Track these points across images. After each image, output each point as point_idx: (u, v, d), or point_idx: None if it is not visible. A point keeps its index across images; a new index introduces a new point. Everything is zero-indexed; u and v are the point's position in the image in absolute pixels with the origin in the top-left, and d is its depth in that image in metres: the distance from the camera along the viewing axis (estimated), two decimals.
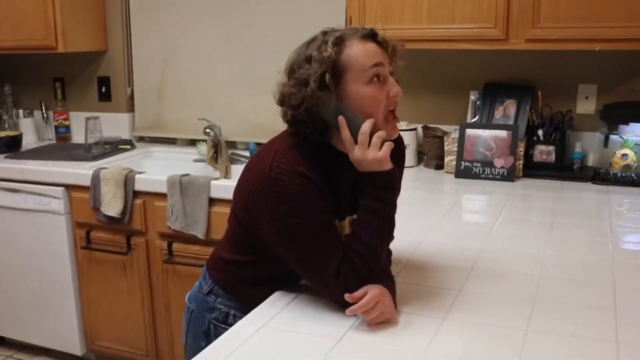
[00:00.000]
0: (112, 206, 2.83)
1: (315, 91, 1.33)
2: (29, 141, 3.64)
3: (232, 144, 3.33)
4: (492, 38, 2.50)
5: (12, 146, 3.40)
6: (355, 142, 1.35)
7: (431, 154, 2.90)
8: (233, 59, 3.33)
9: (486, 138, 2.70)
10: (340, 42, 1.36)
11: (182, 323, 1.70)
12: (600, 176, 2.61)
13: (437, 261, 1.76)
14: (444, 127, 2.93)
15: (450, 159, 2.78)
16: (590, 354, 1.25)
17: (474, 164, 2.69)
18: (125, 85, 3.59)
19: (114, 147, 3.36)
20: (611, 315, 1.41)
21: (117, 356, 3.12)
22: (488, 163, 2.67)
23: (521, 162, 2.68)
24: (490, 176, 2.66)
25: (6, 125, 3.66)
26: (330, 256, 1.35)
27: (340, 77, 1.35)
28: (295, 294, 1.51)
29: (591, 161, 2.78)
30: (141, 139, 3.66)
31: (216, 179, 2.74)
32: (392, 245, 1.64)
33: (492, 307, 1.46)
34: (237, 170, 2.96)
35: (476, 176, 2.68)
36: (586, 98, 2.77)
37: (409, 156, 2.91)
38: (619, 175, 2.57)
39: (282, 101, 1.40)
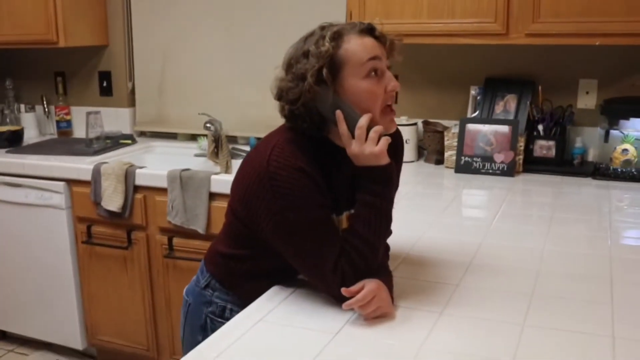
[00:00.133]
0: (112, 201, 2.84)
1: (312, 86, 1.33)
2: (31, 136, 3.65)
3: (232, 139, 3.33)
4: (492, 33, 2.49)
5: (13, 141, 3.41)
6: (353, 136, 1.36)
7: (431, 149, 2.90)
8: (234, 53, 3.33)
9: (486, 133, 2.69)
10: (338, 36, 1.36)
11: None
12: (601, 171, 2.61)
13: (436, 256, 1.76)
14: (444, 122, 2.93)
15: (450, 154, 2.78)
16: (586, 349, 1.25)
17: (474, 159, 2.69)
18: (127, 80, 3.59)
19: (115, 141, 3.37)
20: (608, 310, 1.41)
21: (118, 350, 3.13)
22: (488, 158, 2.67)
23: (521, 157, 2.68)
24: (490, 171, 2.66)
25: (8, 120, 3.66)
26: (327, 251, 1.36)
27: (337, 72, 1.35)
28: (293, 289, 1.51)
29: (591, 156, 2.78)
30: (142, 133, 3.66)
31: (217, 173, 2.75)
32: (391, 240, 1.64)
33: (489, 302, 1.47)
34: (238, 165, 2.95)
35: (476, 171, 2.68)
36: (587, 93, 2.77)
37: (409, 151, 2.91)
38: (619, 170, 2.57)
39: (280, 96, 1.40)
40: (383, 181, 1.38)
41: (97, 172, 2.87)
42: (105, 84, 3.64)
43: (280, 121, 1.47)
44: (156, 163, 3.25)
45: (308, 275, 1.45)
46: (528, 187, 2.54)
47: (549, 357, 1.23)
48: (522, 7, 2.43)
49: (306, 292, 1.49)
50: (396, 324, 1.36)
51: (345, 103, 1.36)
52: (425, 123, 2.94)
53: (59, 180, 2.98)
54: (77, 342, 3.18)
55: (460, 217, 2.25)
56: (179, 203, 2.73)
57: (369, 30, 1.39)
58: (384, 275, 1.44)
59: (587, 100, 2.78)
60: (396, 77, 3.05)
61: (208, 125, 3.10)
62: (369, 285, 1.34)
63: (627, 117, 2.60)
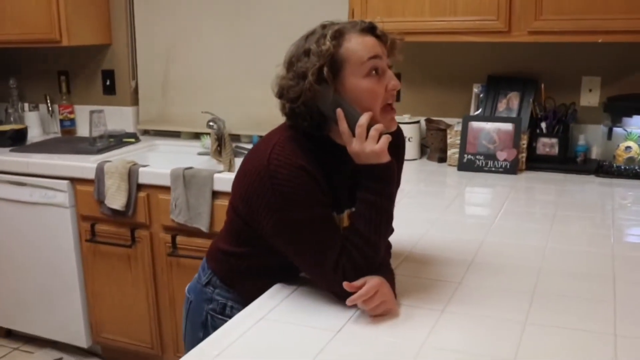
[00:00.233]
0: (116, 199, 2.85)
1: (313, 84, 1.34)
2: (35, 134, 3.66)
3: (235, 137, 3.33)
4: (494, 30, 2.49)
5: (17, 139, 3.41)
6: (353, 134, 1.36)
7: (434, 147, 2.90)
8: (237, 52, 3.33)
9: (489, 131, 2.69)
10: (339, 35, 1.36)
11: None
12: (604, 169, 2.61)
13: (438, 254, 1.76)
14: (447, 120, 2.93)
15: (453, 152, 2.78)
16: (588, 347, 1.25)
17: (477, 156, 2.69)
18: (130, 78, 3.60)
19: (118, 140, 3.38)
20: (610, 308, 1.41)
21: (122, 348, 3.15)
22: (491, 156, 2.67)
23: (524, 154, 2.68)
24: (493, 169, 2.66)
25: (12, 119, 3.68)
26: (328, 249, 1.36)
27: (338, 71, 1.36)
28: (295, 287, 1.51)
29: (594, 154, 2.78)
30: (145, 132, 3.67)
31: (220, 172, 2.75)
32: (393, 238, 1.65)
33: (491, 300, 1.47)
34: None
35: (479, 169, 2.68)
36: (590, 90, 2.77)
37: (412, 149, 2.91)
38: (622, 167, 2.57)
39: (281, 94, 1.41)
40: (384, 179, 1.38)
41: (100, 171, 2.88)
42: (108, 83, 3.64)
43: (282, 119, 1.47)
44: (159, 161, 3.26)
45: (309, 273, 1.45)
46: (531, 184, 2.54)
47: (551, 354, 1.23)
48: (524, 5, 2.43)
49: (308, 290, 1.49)
50: (398, 321, 1.36)
51: (345, 101, 1.36)
52: (428, 121, 2.94)
53: (63, 178, 2.99)
54: (81, 339, 3.19)
55: (462, 215, 2.25)
56: (182, 201, 2.74)
57: (370, 29, 1.39)
58: (386, 274, 1.44)
59: (590, 98, 2.77)
60: (398, 75, 3.08)
61: (211, 123, 3.11)
62: (372, 281, 1.34)
63: (630, 115, 2.60)
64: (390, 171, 1.38)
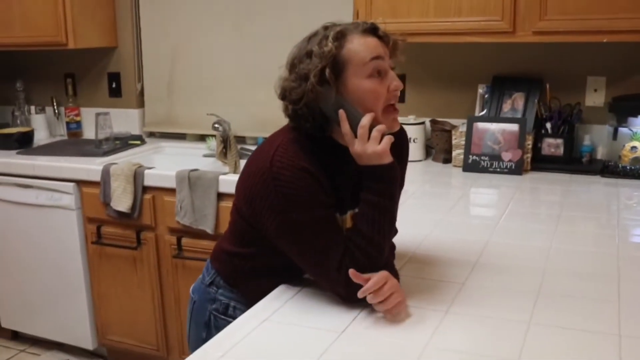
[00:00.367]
0: (121, 201, 2.86)
1: (315, 86, 1.34)
2: (41, 137, 3.67)
3: (241, 139, 3.34)
4: (499, 31, 2.49)
5: (24, 142, 3.43)
6: (356, 135, 1.36)
7: (439, 148, 2.90)
8: (242, 54, 3.34)
9: (494, 131, 2.69)
10: (341, 36, 1.36)
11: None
12: (609, 169, 2.60)
13: (442, 255, 1.76)
14: (452, 121, 2.93)
15: (458, 153, 2.77)
16: (592, 347, 1.25)
17: (482, 157, 2.68)
18: (135, 81, 3.61)
19: (124, 142, 3.39)
20: (615, 309, 1.41)
21: (128, 350, 3.15)
22: (496, 156, 2.66)
23: (529, 155, 2.67)
24: (498, 170, 2.65)
25: (18, 122, 3.69)
26: (331, 250, 1.36)
27: (340, 72, 1.36)
28: (299, 288, 1.51)
29: (600, 154, 2.77)
30: (151, 134, 3.68)
31: (225, 173, 2.76)
32: (397, 239, 1.65)
33: (495, 300, 1.46)
34: None
35: (484, 170, 2.67)
36: (595, 90, 2.76)
37: (417, 150, 2.91)
38: (628, 168, 2.56)
39: (283, 95, 1.41)
40: (386, 180, 1.38)
41: (106, 173, 2.89)
42: (114, 85, 3.66)
43: (287, 120, 1.48)
44: (165, 163, 3.27)
45: (312, 274, 1.45)
46: (536, 185, 2.54)
47: (555, 355, 1.22)
48: (528, 5, 2.42)
49: (312, 291, 1.49)
50: (402, 322, 1.36)
51: (347, 102, 1.36)
52: (433, 122, 2.94)
53: (69, 181, 3.00)
54: (87, 342, 3.20)
55: (467, 216, 2.25)
56: (187, 203, 2.74)
57: (372, 30, 1.39)
58: (391, 274, 1.44)
59: (595, 98, 2.77)
60: (403, 76, 3.09)
61: (216, 125, 3.11)
62: (380, 273, 1.35)
63: (635, 115, 2.60)
64: (393, 172, 1.38)
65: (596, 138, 2.77)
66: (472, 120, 2.74)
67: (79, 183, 3.00)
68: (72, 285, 3.13)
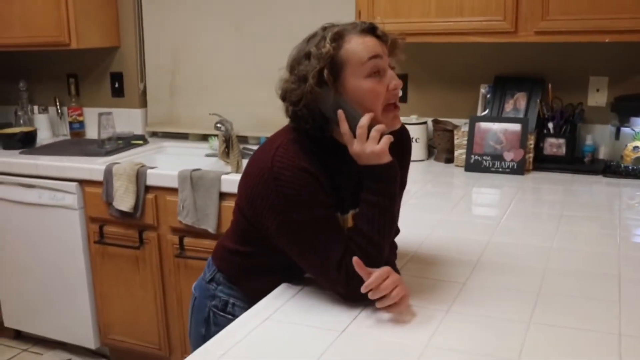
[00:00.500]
0: (124, 201, 2.86)
1: (313, 87, 1.34)
2: (44, 137, 3.68)
3: (243, 139, 3.34)
4: (501, 31, 2.49)
5: (27, 142, 3.44)
6: (355, 135, 1.36)
7: (441, 148, 2.90)
8: (244, 54, 3.34)
9: (496, 131, 2.69)
10: (339, 37, 1.37)
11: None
12: (611, 169, 2.60)
13: (443, 254, 1.76)
14: (454, 121, 2.93)
15: (460, 153, 2.77)
16: (592, 347, 1.25)
17: (484, 157, 2.68)
18: (138, 81, 3.62)
19: (126, 142, 3.39)
20: (615, 308, 1.41)
21: (130, 349, 3.16)
22: (498, 156, 2.66)
23: (531, 155, 2.67)
24: (500, 169, 2.65)
25: (21, 121, 3.71)
26: (331, 249, 1.37)
27: (339, 72, 1.36)
28: (300, 287, 1.52)
29: (602, 154, 2.77)
30: (154, 134, 3.69)
31: (227, 173, 2.76)
32: (399, 239, 1.65)
33: (495, 300, 1.46)
34: None
35: (486, 169, 2.68)
36: (597, 90, 2.76)
37: (419, 150, 2.91)
38: (630, 168, 2.56)
39: (284, 97, 1.42)
40: (385, 179, 1.38)
41: (109, 173, 2.89)
42: (117, 85, 3.66)
43: (288, 121, 1.48)
44: (167, 163, 3.27)
45: (313, 274, 1.46)
46: (538, 185, 2.54)
47: (555, 354, 1.22)
48: (530, 5, 2.42)
49: (313, 290, 1.49)
50: (402, 322, 1.36)
51: (346, 103, 1.37)
52: (435, 122, 2.94)
53: (72, 180, 3.01)
54: (90, 341, 3.21)
55: (469, 216, 2.25)
56: (189, 203, 2.75)
57: (370, 30, 1.40)
58: None
59: (597, 98, 2.76)
60: (405, 76, 3.09)
61: (219, 125, 3.12)
62: (382, 268, 1.35)
63: (638, 114, 2.59)
64: (392, 171, 1.39)
65: (598, 138, 2.77)
66: (474, 120, 2.74)
67: (82, 183, 3.01)
68: (74, 284, 3.14)
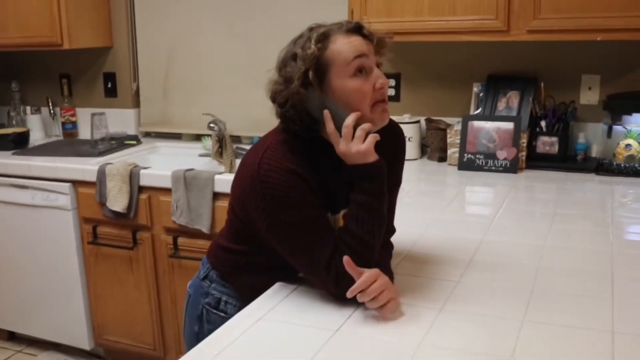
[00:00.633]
0: (117, 201, 2.86)
1: (299, 88, 1.35)
2: (37, 137, 3.67)
3: (236, 139, 3.34)
4: (493, 29, 2.50)
5: (19, 142, 3.42)
6: (342, 135, 1.37)
7: (434, 146, 2.91)
8: (237, 53, 3.34)
9: (489, 130, 2.70)
10: (324, 38, 1.37)
11: None
12: (604, 167, 2.61)
13: (437, 253, 1.76)
14: (447, 119, 2.93)
15: (453, 151, 2.78)
16: (585, 344, 1.25)
17: (477, 155, 2.69)
18: (131, 81, 3.61)
19: (120, 142, 3.39)
20: (608, 306, 1.41)
21: (124, 350, 3.15)
22: (491, 155, 2.67)
23: (524, 153, 2.68)
24: (493, 168, 2.66)
25: (14, 122, 3.70)
26: (320, 250, 1.37)
27: (324, 73, 1.37)
28: (294, 286, 1.52)
29: (595, 152, 2.78)
30: (147, 134, 3.69)
31: (220, 173, 2.76)
32: (393, 237, 1.65)
33: (489, 298, 1.47)
34: None
35: (479, 168, 2.68)
36: (589, 89, 2.77)
37: (412, 149, 2.91)
38: (622, 165, 2.57)
39: (273, 98, 1.42)
40: (372, 178, 1.38)
41: (102, 173, 2.89)
42: (110, 85, 3.66)
43: None
44: (161, 163, 3.27)
45: (304, 273, 1.47)
46: (531, 183, 2.54)
47: (549, 352, 1.23)
48: (522, 4, 2.43)
49: (307, 289, 1.49)
50: (396, 320, 1.36)
51: (332, 103, 1.37)
52: (428, 120, 2.94)
53: (65, 181, 3.00)
54: (84, 342, 3.20)
55: (462, 214, 2.25)
56: (183, 203, 2.74)
57: (356, 29, 1.40)
58: (385, 274, 1.44)
59: (589, 96, 2.77)
60: (398, 75, 3.09)
61: (212, 125, 3.11)
62: (370, 271, 1.34)
63: (629, 113, 2.60)
64: (379, 170, 1.39)
65: (591, 136, 2.78)
66: (467, 118, 2.75)
67: (75, 183, 3.00)
68: (68, 285, 3.13)
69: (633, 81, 2.69)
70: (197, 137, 3.50)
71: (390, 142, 1.55)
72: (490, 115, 2.78)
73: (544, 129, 2.72)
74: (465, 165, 2.71)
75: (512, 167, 2.64)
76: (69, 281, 3.12)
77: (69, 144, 3.50)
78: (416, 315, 1.38)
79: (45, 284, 3.18)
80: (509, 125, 2.67)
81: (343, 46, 1.37)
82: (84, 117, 3.65)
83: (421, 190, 2.52)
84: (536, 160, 2.71)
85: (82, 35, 3.37)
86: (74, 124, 3.73)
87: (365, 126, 1.36)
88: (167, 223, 2.84)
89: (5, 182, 3.13)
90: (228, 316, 1.48)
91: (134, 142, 3.45)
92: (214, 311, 1.60)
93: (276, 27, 3.19)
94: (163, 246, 2.89)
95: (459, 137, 2.74)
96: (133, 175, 2.84)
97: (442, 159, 2.86)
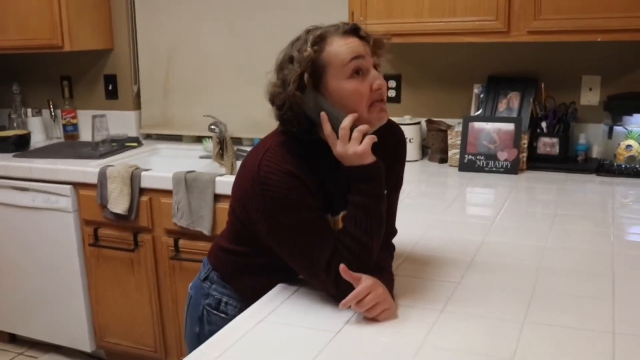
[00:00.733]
0: (118, 203, 2.86)
1: (295, 91, 1.35)
2: (38, 140, 3.67)
3: (237, 140, 3.34)
4: (493, 31, 2.50)
5: (20, 145, 3.42)
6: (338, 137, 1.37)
7: (435, 148, 2.91)
8: (238, 55, 3.34)
9: (490, 131, 2.70)
10: (320, 40, 1.37)
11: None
12: (605, 168, 2.61)
13: (438, 254, 1.76)
14: (448, 121, 2.93)
15: (454, 153, 2.78)
16: (586, 345, 1.25)
17: (478, 157, 2.69)
18: (132, 82, 3.62)
19: (120, 144, 3.39)
20: (609, 307, 1.41)
21: (126, 352, 3.15)
22: (492, 156, 2.67)
23: (525, 154, 2.68)
24: (494, 169, 2.66)
25: (15, 124, 3.70)
26: (319, 252, 1.37)
27: (321, 75, 1.37)
28: (295, 288, 1.52)
29: (595, 153, 2.78)
30: (148, 136, 3.69)
31: (221, 175, 2.76)
32: (394, 239, 1.65)
33: (490, 299, 1.47)
34: None
35: (480, 169, 2.68)
36: (590, 89, 2.77)
37: (413, 150, 2.91)
38: (623, 166, 2.57)
39: (272, 100, 1.43)
40: (369, 180, 1.38)
41: (103, 175, 2.89)
42: (110, 87, 3.66)
43: None
44: (162, 165, 3.27)
45: (304, 275, 1.47)
46: (532, 184, 2.54)
47: (549, 353, 1.23)
48: (523, 5, 2.43)
49: (308, 291, 1.50)
50: (397, 321, 1.36)
51: (329, 105, 1.37)
52: (429, 122, 2.94)
53: (66, 183, 3.00)
54: (85, 344, 3.20)
55: (463, 215, 2.26)
56: (184, 205, 2.74)
57: (353, 31, 1.40)
58: (385, 276, 1.44)
59: (590, 97, 2.77)
60: (398, 76, 3.09)
61: (213, 127, 3.11)
62: (365, 282, 1.34)
63: (630, 113, 2.60)
64: (376, 171, 1.39)
65: (591, 137, 2.78)
66: (467, 119, 2.75)
67: (76, 185, 3.00)
68: (69, 287, 3.13)
69: (633, 82, 2.69)
70: (198, 139, 3.50)
71: (390, 144, 1.55)
72: (490, 117, 2.78)
73: (545, 130, 2.72)
74: (466, 166, 2.71)
75: (513, 168, 2.64)
76: (70, 283, 3.12)
77: (70, 146, 3.50)
78: (417, 317, 1.38)
79: (46, 286, 3.19)
80: (510, 127, 2.67)
81: (339, 48, 1.37)
82: (84, 119, 3.65)
83: (422, 192, 2.52)
84: (537, 161, 2.71)
85: (82, 37, 3.37)
86: (75, 126, 3.73)
87: (362, 128, 1.36)
88: (168, 225, 2.84)
89: (6, 185, 3.13)
90: (228, 317, 1.49)
91: (135, 144, 3.46)
92: (215, 312, 1.60)
93: (276, 28, 3.19)
94: (164, 248, 2.89)
95: (459, 138, 2.74)
96: (134, 177, 2.84)
97: (443, 160, 2.87)
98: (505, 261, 1.71)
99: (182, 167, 2.84)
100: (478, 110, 2.86)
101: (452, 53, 2.94)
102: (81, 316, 3.15)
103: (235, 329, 1.36)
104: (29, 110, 3.75)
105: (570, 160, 2.72)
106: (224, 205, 2.65)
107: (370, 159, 1.37)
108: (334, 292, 1.38)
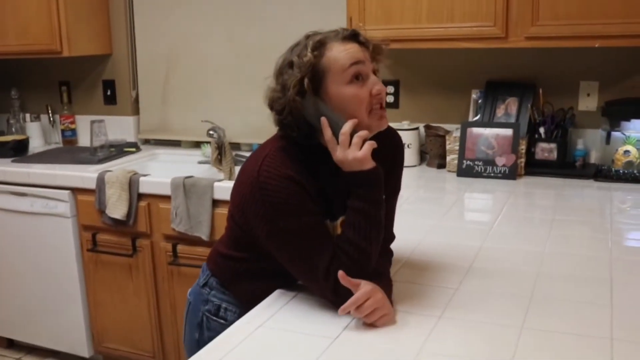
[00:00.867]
0: (117, 209, 2.86)
1: (295, 96, 1.36)
2: (36, 145, 3.67)
3: (236, 146, 3.35)
4: (491, 36, 2.50)
5: (19, 150, 3.43)
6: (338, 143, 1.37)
7: (433, 153, 2.91)
8: (236, 60, 3.35)
9: (488, 136, 2.70)
10: (320, 45, 1.38)
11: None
12: (603, 173, 2.61)
13: (436, 260, 1.76)
14: (446, 126, 2.94)
15: (452, 158, 2.78)
16: (584, 351, 1.25)
17: (476, 162, 2.69)
18: (130, 88, 3.62)
19: (119, 150, 3.39)
20: (607, 312, 1.41)
21: (124, 357, 3.15)
22: (490, 161, 2.67)
23: (523, 160, 2.68)
24: (492, 174, 2.67)
25: (13, 130, 3.70)
26: (319, 257, 1.37)
27: (320, 80, 1.37)
28: (294, 294, 1.52)
29: (593, 158, 2.78)
30: (146, 141, 3.69)
31: (220, 180, 2.76)
32: (392, 245, 1.65)
33: (488, 305, 1.47)
34: None
35: (478, 175, 2.68)
36: (588, 95, 2.77)
37: (412, 155, 2.92)
38: (621, 172, 2.57)
39: (271, 106, 1.43)
40: (369, 185, 1.38)
41: (101, 181, 2.89)
42: (109, 93, 3.66)
43: None
44: (160, 171, 3.27)
45: (302, 280, 1.47)
46: (530, 190, 2.55)
47: (548, 359, 1.23)
48: (520, 11, 2.44)
49: (306, 297, 1.50)
50: (395, 327, 1.36)
51: (329, 110, 1.38)
52: (427, 127, 2.95)
53: (64, 189, 3.00)
54: (83, 349, 3.20)
55: (461, 221, 2.26)
56: (182, 210, 2.75)
57: (352, 36, 1.41)
58: (383, 282, 1.44)
59: (588, 102, 2.78)
60: (397, 82, 3.10)
61: (211, 132, 3.12)
62: (364, 288, 1.34)
63: (628, 119, 2.61)
64: (375, 177, 1.39)
65: (589, 142, 2.78)
66: (465, 125, 2.76)
67: (74, 191, 3.00)
68: (67, 292, 3.13)
69: (631, 87, 2.70)
70: (197, 144, 3.51)
71: (389, 149, 1.56)
72: (489, 122, 2.78)
73: (543, 136, 2.72)
74: (464, 171, 2.71)
75: (511, 174, 2.64)
76: (69, 288, 3.12)
77: (69, 151, 3.50)
78: (415, 323, 1.38)
79: (44, 292, 3.18)
80: (508, 132, 2.67)
81: (339, 53, 1.37)
82: (83, 125, 3.65)
83: (420, 197, 2.52)
84: (535, 167, 2.71)
85: (81, 43, 3.38)
86: (74, 131, 3.73)
87: (362, 133, 1.36)
88: (167, 230, 2.84)
89: (5, 190, 3.13)
90: (228, 323, 1.48)
91: (134, 149, 3.46)
92: (214, 318, 1.60)
93: (275, 34, 3.19)
94: (162, 253, 2.89)
95: (457, 143, 2.75)
96: (132, 183, 2.84)
97: (441, 165, 2.87)
98: (503, 267, 1.71)
99: (180, 173, 2.84)
100: (476, 115, 2.87)
101: (450, 59, 2.94)
102: (79, 321, 3.15)
103: (233, 334, 1.36)
104: (28, 116, 3.76)
105: (568, 166, 2.73)
106: (223, 211, 2.65)
107: (370, 164, 1.38)
108: (332, 297, 1.38)
